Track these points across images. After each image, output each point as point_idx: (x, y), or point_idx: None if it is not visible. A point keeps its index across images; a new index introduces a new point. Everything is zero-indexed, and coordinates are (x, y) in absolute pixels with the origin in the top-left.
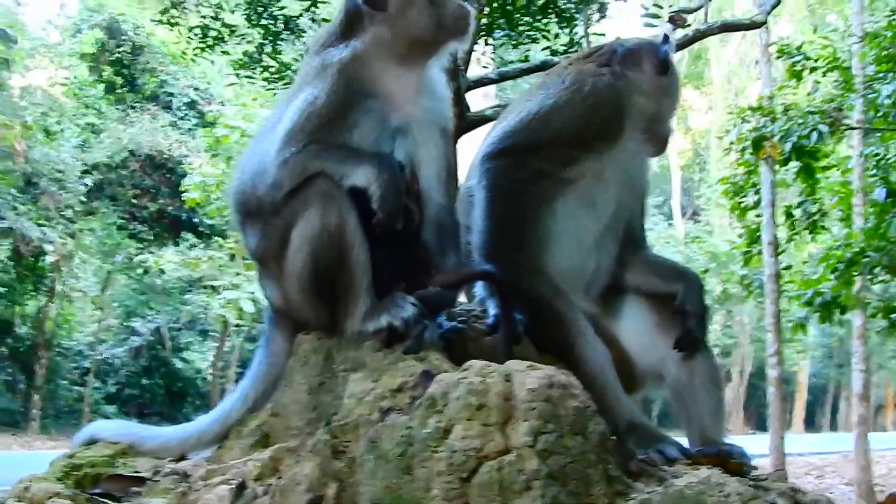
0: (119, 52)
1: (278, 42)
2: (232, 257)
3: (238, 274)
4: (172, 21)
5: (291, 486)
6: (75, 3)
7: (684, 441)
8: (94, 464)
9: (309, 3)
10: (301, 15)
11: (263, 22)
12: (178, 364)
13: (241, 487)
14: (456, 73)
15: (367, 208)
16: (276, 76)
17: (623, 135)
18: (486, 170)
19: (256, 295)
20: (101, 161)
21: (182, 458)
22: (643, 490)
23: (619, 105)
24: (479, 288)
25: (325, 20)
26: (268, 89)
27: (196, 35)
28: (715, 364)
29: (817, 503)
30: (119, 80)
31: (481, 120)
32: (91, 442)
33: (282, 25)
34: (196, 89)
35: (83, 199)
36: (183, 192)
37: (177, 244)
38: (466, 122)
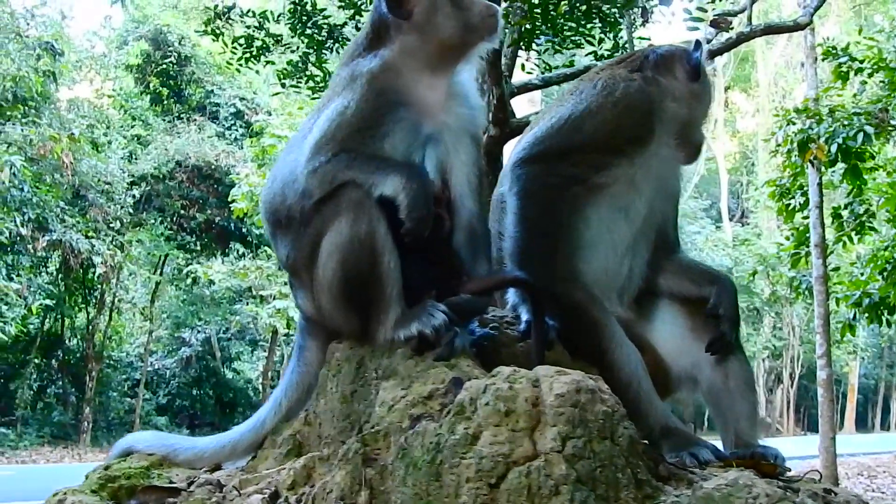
0: (165, 64)
1: (323, 51)
2: (280, 266)
3: (286, 283)
4: (217, 32)
5: (323, 494)
6: (120, 15)
7: (720, 444)
8: (129, 475)
9: (353, 11)
10: (345, 24)
11: (308, 31)
12: (229, 374)
13: (275, 497)
14: (500, 78)
15: (398, 217)
16: (321, 85)
17: (654, 140)
18: (518, 176)
19: None
20: (149, 172)
21: (217, 468)
22: (672, 493)
23: (650, 110)
24: (512, 294)
25: None
26: (313, 98)
27: (240, 45)
28: (748, 367)
29: (849, 503)
30: (165, 92)
31: (525, 126)
32: (127, 453)
33: (326, 35)
34: (242, 99)
35: (131, 210)
36: (230, 202)
37: (225, 254)
38: (511, 128)
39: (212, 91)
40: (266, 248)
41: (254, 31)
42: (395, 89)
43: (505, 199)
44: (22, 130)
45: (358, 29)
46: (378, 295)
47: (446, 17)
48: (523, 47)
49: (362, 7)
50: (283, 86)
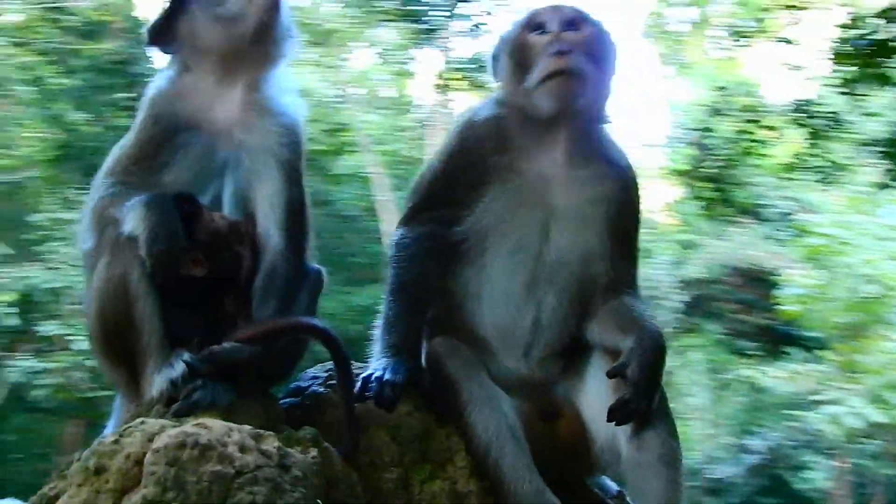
0: (711, 168)
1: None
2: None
3: (840, 388)
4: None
5: None
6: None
7: None
8: None
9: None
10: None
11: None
12: (798, 484)
13: None
14: None
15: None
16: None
17: (512, 170)
18: (392, 238)
19: (859, 409)
20: (698, 277)
21: None
22: None
23: (491, 136)
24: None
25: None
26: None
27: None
28: (668, 440)
29: None
30: (713, 196)
31: None
32: None
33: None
34: (787, 198)
35: (681, 315)
36: (778, 304)
37: (779, 358)
38: None
39: (758, 192)
40: (817, 350)
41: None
42: (177, 112)
43: None
44: None
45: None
46: (137, 345)
47: (205, 22)
48: None
49: None
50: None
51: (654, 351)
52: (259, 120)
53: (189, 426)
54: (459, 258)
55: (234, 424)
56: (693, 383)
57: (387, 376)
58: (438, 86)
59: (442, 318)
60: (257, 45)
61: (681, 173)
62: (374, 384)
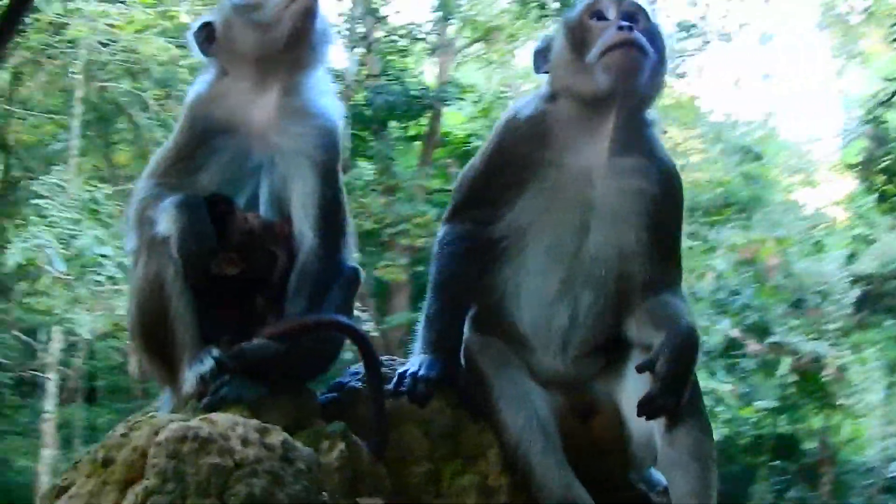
0: (886, 161)
1: None
2: None
3: None
4: None
5: None
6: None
7: None
8: None
9: None
10: None
11: None
12: None
13: None
14: None
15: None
16: None
17: (551, 166)
18: (437, 236)
19: None
20: (871, 272)
21: None
22: None
23: (531, 134)
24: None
25: None
26: None
27: None
28: (700, 437)
29: None
30: (889, 189)
31: None
32: None
33: None
34: None
35: (852, 311)
36: None
37: None
38: None
39: None
40: None
41: None
42: (213, 116)
43: None
44: (728, 234)
45: None
46: (172, 341)
47: (241, 28)
48: None
49: None
50: None
51: (683, 347)
52: (294, 123)
53: (194, 420)
54: (499, 256)
55: (241, 418)
56: (868, 380)
57: (421, 372)
58: None
59: (482, 315)
60: (293, 50)
61: (854, 167)
62: (407, 380)
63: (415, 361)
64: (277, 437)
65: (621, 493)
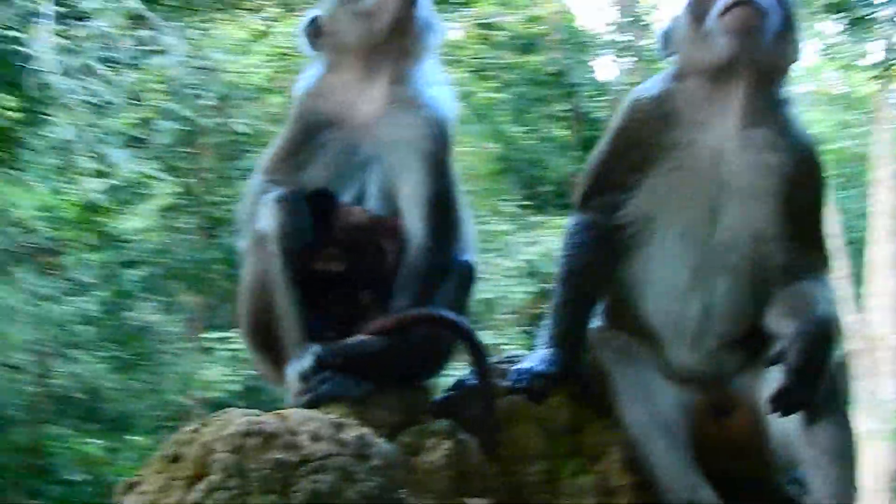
0: None
1: None
2: None
3: None
4: None
5: None
6: None
7: None
8: None
9: None
10: None
11: None
12: None
13: None
14: None
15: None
16: None
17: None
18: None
19: None
20: None
21: None
22: None
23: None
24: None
25: None
26: None
27: None
28: (840, 433)
29: None
30: None
31: None
32: None
33: None
34: None
35: None
36: None
37: None
38: None
39: None
40: None
41: None
42: (319, 110)
43: None
44: None
45: None
46: (278, 339)
47: (345, 19)
48: None
49: None
50: None
51: (817, 336)
52: (401, 114)
53: (262, 416)
54: (627, 244)
55: (316, 413)
56: None
57: (538, 368)
58: (879, 77)
59: (612, 308)
60: (396, 39)
61: None
62: (524, 376)
63: (535, 356)
64: (353, 432)
65: (766, 495)
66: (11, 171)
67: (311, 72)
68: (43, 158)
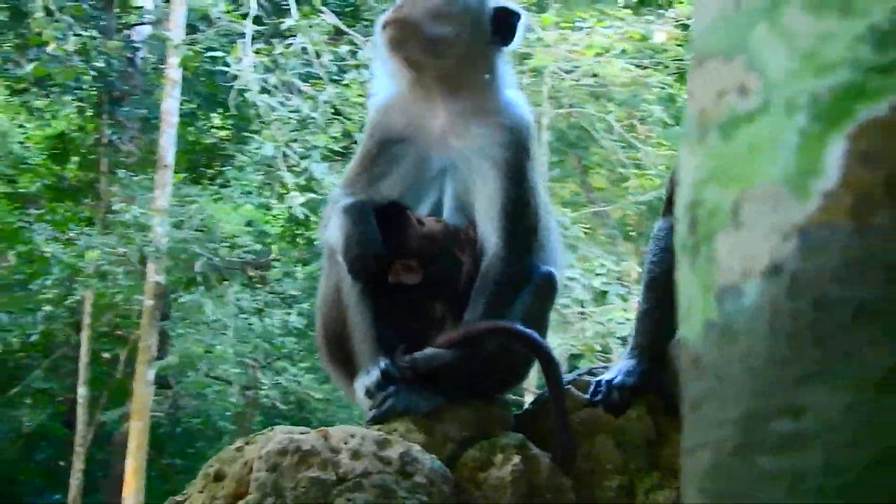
0: None
1: None
2: None
3: None
4: None
5: None
6: None
7: None
8: None
9: None
10: None
11: None
12: None
13: None
14: None
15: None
16: None
17: None
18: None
19: None
20: None
21: None
22: None
23: None
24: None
25: None
26: None
27: None
28: None
29: None
30: None
31: None
32: None
33: None
34: None
35: None
36: None
37: None
38: None
39: None
40: None
41: None
42: (392, 124)
43: None
44: None
45: None
46: (351, 350)
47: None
48: None
49: None
50: None
51: None
52: (473, 124)
53: (303, 433)
54: None
55: (359, 429)
56: None
57: (617, 379)
58: None
59: None
60: (468, 61)
61: None
62: (603, 388)
63: (617, 367)
64: (397, 449)
65: None
66: (219, 188)
67: (383, 83)
68: (247, 175)
